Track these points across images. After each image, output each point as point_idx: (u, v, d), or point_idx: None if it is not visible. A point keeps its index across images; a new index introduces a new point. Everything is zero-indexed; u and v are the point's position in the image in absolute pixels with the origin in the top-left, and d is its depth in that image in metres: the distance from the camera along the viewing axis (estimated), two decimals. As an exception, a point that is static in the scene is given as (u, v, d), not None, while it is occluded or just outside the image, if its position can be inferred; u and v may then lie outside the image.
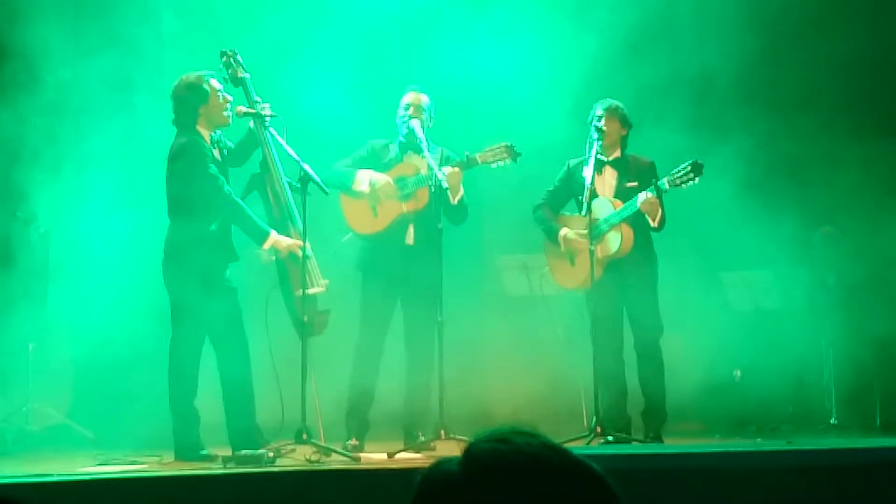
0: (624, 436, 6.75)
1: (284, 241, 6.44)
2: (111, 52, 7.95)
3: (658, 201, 6.81)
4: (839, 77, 8.92)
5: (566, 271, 7.23)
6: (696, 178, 6.71)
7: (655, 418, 7.04)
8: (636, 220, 6.91)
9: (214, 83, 6.49)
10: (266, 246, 6.44)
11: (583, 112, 7.27)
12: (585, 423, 7.13)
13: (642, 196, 6.78)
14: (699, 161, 6.76)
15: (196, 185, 6.32)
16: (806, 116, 8.73)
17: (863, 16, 8.91)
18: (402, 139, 7.04)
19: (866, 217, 8.42)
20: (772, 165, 8.74)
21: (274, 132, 6.52)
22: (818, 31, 8.76)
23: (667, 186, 6.78)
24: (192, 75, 6.49)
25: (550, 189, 7.30)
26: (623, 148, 7.15)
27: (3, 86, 7.98)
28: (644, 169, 7.01)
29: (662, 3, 8.74)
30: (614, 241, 6.92)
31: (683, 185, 6.75)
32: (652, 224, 6.87)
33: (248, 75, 6.68)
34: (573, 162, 7.19)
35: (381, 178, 6.93)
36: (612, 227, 6.93)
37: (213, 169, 6.40)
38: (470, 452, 1.61)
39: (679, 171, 6.76)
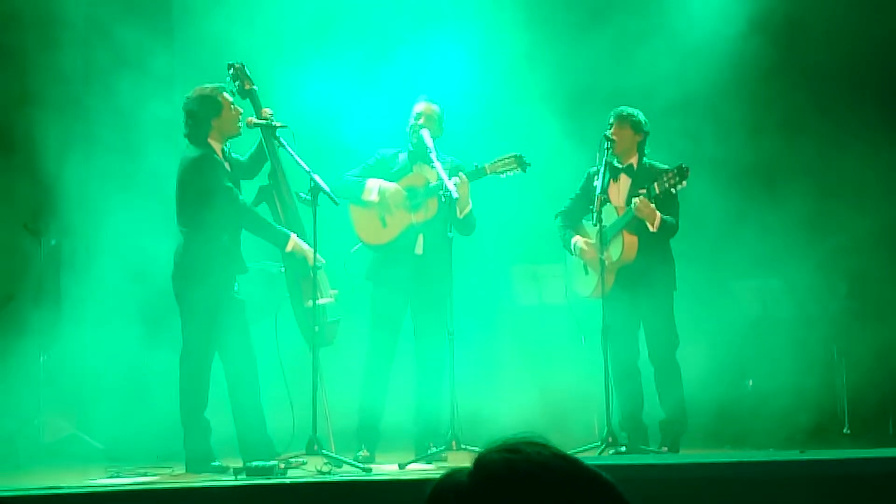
0: (636, 445, 6.74)
1: (304, 244, 6.46)
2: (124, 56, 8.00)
3: (651, 206, 6.81)
4: (850, 80, 8.88)
5: (582, 279, 7.24)
6: (683, 182, 6.76)
7: (674, 430, 7.03)
8: (643, 227, 6.89)
9: (227, 95, 6.50)
10: (289, 248, 6.44)
11: (597, 122, 7.28)
12: (597, 433, 7.11)
13: (635, 201, 6.80)
14: (684, 165, 6.80)
15: (210, 197, 6.33)
16: (819, 121, 8.71)
17: (875, 14, 8.85)
18: (412, 148, 7.05)
19: (878, 224, 8.40)
20: (784, 173, 8.72)
21: (284, 143, 6.53)
22: (829, 34, 8.72)
23: (656, 191, 6.80)
24: (205, 88, 6.49)
25: (571, 197, 7.31)
26: (641, 154, 7.14)
27: (11, 94, 8.02)
28: (658, 176, 7.00)
29: (669, 9, 8.74)
30: (616, 248, 6.94)
31: (673, 190, 6.78)
32: (650, 228, 6.86)
33: (255, 87, 6.68)
34: (593, 170, 7.18)
35: (391, 188, 6.94)
36: (616, 234, 6.94)
37: (227, 181, 6.41)
38: (480, 463, 1.60)
39: (666, 176, 6.80)
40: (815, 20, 8.74)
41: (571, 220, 7.29)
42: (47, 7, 8.12)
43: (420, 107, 7.04)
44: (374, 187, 6.94)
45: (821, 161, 8.73)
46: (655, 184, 6.83)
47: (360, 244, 7.05)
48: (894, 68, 8.78)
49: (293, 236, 6.45)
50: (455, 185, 6.67)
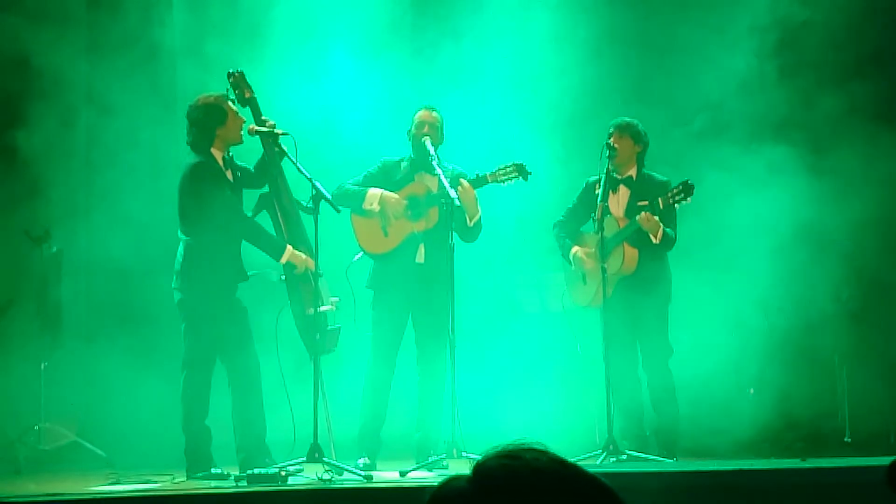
0: (637, 454, 6.75)
1: (300, 255, 6.46)
2: (127, 58, 8.01)
3: (655, 218, 6.86)
4: (851, 84, 8.87)
5: (579, 289, 7.28)
6: (688, 198, 6.86)
7: (668, 438, 7.08)
8: (644, 239, 6.95)
9: (230, 104, 6.51)
10: (283, 260, 6.46)
11: (599, 130, 7.30)
12: (598, 441, 7.13)
13: (642, 214, 6.85)
14: (690, 181, 6.89)
15: (209, 205, 6.35)
16: (819, 125, 8.70)
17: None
18: (413, 156, 7.06)
19: (881, 230, 8.40)
20: (784, 178, 8.71)
21: (285, 150, 6.53)
22: (836, 38, 8.71)
23: (661, 205, 6.86)
24: (209, 97, 6.51)
25: (569, 206, 7.36)
26: (640, 166, 7.19)
27: (14, 99, 8.03)
28: (657, 188, 7.05)
29: (677, 21, 8.77)
30: (616, 260, 6.98)
31: (676, 205, 6.89)
32: (653, 240, 6.92)
33: (255, 95, 6.68)
34: (591, 180, 7.23)
35: (392, 197, 6.94)
36: (616, 245, 6.98)
37: (226, 189, 6.43)
38: (479, 469, 1.61)
39: (671, 191, 6.88)
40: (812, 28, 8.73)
41: (569, 230, 7.33)
42: (48, 11, 8.14)
43: (422, 115, 7.05)
44: (375, 196, 6.95)
45: (822, 166, 8.72)
46: (660, 199, 6.88)
47: (362, 253, 7.05)
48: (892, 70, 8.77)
49: (289, 248, 6.46)
50: (458, 192, 6.69)
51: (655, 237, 6.93)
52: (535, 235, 8.28)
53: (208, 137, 6.46)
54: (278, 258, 6.48)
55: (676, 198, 6.85)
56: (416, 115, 7.06)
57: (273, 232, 6.57)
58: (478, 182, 6.90)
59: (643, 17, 8.94)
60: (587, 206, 7.18)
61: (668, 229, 6.97)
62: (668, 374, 7.12)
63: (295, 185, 6.62)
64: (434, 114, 7.07)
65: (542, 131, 8.44)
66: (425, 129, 6.98)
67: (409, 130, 7.06)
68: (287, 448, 6.36)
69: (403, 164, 7.10)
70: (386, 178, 7.05)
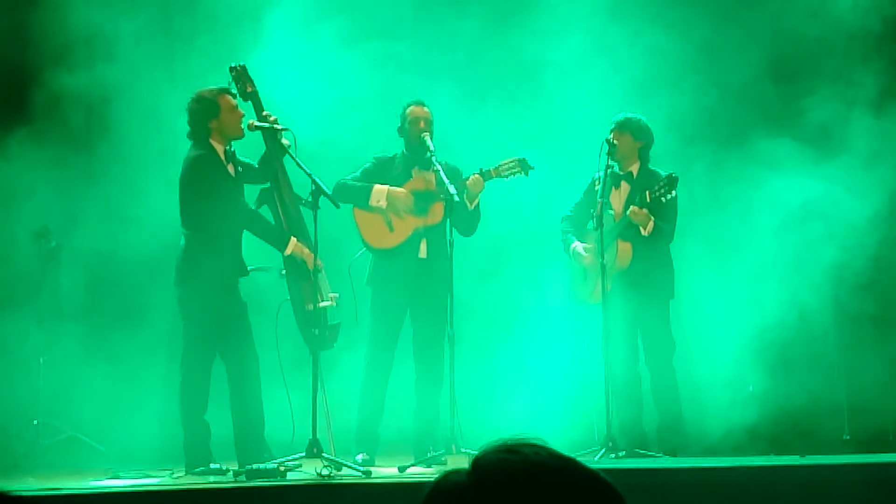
0: (637, 450, 6.75)
1: (304, 247, 6.47)
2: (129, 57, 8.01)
3: (644, 211, 6.87)
4: (850, 80, 8.86)
5: (581, 285, 7.29)
6: (672, 191, 6.88)
7: (670, 436, 7.07)
8: (636, 233, 6.97)
9: (227, 97, 6.52)
10: (288, 251, 6.47)
11: (601, 124, 7.31)
12: (597, 437, 7.13)
13: (631, 208, 6.90)
14: (674, 174, 6.93)
15: (210, 198, 6.36)
16: (817, 124, 8.70)
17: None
18: (406, 152, 7.04)
19: (879, 227, 8.39)
20: (784, 176, 8.71)
21: (285, 146, 6.53)
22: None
23: (647, 198, 6.89)
24: (204, 90, 6.54)
25: (576, 202, 7.37)
26: (644, 161, 7.19)
27: (14, 95, 8.03)
28: (650, 184, 7.05)
29: (688, 18, 8.76)
30: (610, 255, 6.99)
31: (663, 198, 6.90)
32: (643, 232, 6.94)
33: (257, 90, 6.68)
34: (596, 176, 7.22)
35: (400, 192, 6.94)
36: (612, 240, 7.00)
37: (227, 183, 6.43)
38: (478, 463, 1.61)
39: (657, 185, 6.91)
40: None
41: (575, 226, 7.34)
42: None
43: (415, 111, 7.02)
44: (381, 192, 6.94)
45: (822, 164, 8.71)
46: (647, 192, 6.92)
47: (365, 248, 7.04)
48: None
49: (293, 239, 6.47)
50: (467, 185, 6.75)
51: (645, 230, 6.95)
52: (534, 231, 8.28)
53: (203, 130, 6.48)
54: (283, 249, 6.49)
55: (661, 191, 6.88)
56: (409, 111, 7.04)
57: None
58: (480, 177, 6.91)
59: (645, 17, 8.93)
60: (592, 202, 7.18)
61: (660, 222, 6.97)
62: (670, 371, 7.11)
63: (296, 180, 6.62)
64: (426, 109, 7.06)
65: (542, 129, 8.42)
66: (421, 125, 6.97)
67: (402, 126, 7.04)
68: (286, 443, 6.37)
69: (397, 161, 7.09)
70: (382, 174, 7.05)
